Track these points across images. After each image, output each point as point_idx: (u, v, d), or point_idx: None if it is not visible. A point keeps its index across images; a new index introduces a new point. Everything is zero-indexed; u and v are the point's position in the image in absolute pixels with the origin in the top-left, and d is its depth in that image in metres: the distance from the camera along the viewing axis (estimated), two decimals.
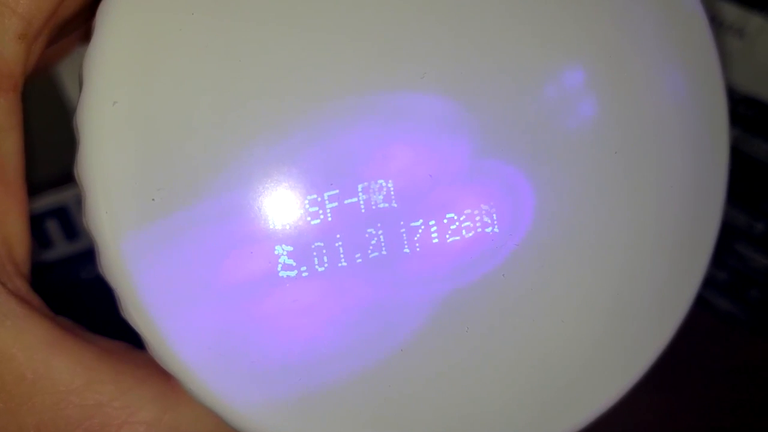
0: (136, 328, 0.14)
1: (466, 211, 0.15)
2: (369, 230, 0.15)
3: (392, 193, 0.15)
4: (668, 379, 0.33)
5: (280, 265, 0.14)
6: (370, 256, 0.15)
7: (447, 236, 0.15)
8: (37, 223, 0.28)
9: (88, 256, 0.14)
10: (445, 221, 0.15)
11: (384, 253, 0.15)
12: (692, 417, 0.32)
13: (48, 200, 0.28)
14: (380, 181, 0.15)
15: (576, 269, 0.17)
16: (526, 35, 0.16)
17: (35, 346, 0.14)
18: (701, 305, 0.35)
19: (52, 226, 0.30)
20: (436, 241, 0.15)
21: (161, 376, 0.15)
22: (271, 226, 0.14)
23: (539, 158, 0.16)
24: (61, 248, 0.29)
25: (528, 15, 0.16)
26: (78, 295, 0.28)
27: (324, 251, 0.14)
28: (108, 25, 0.13)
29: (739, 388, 0.33)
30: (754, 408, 0.33)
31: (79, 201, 0.13)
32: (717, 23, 0.29)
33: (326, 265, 0.14)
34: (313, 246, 0.14)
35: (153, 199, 0.13)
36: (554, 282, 0.16)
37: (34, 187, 0.15)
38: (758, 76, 0.30)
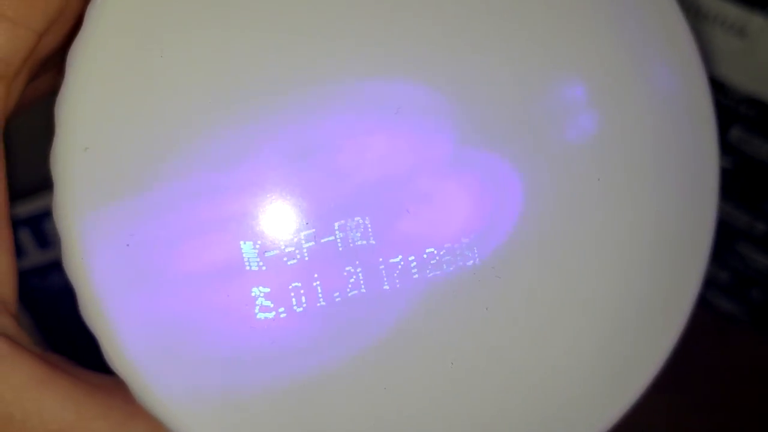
0: (120, 375, 0.14)
1: (446, 245, 0.15)
2: (347, 268, 0.15)
3: (370, 229, 0.15)
4: (668, 379, 0.33)
5: (257, 307, 0.14)
6: (349, 294, 0.15)
7: (427, 271, 0.15)
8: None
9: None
10: (425, 256, 0.15)
11: (363, 290, 0.15)
12: (693, 417, 0.32)
13: (21, 209, 0.28)
14: (357, 218, 0.15)
15: (569, 293, 0.17)
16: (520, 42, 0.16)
17: (24, 385, 0.14)
18: (702, 305, 0.35)
19: (25, 236, 0.29)
20: (416, 276, 0.15)
21: None
22: (247, 268, 0.14)
23: (533, 170, 0.16)
24: (35, 257, 0.29)
25: (523, 19, 0.16)
26: (53, 303, 0.28)
27: (302, 291, 0.14)
28: (79, 69, 0.13)
29: (740, 388, 0.33)
30: (755, 408, 0.33)
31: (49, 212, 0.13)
32: (717, 23, 0.29)
33: (305, 305, 0.14)
34: (290, 286, 0.14)
35: (127, 245, 0.13)
36: (542, 312, 0.16)
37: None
38: (759, 76, 0.30)
